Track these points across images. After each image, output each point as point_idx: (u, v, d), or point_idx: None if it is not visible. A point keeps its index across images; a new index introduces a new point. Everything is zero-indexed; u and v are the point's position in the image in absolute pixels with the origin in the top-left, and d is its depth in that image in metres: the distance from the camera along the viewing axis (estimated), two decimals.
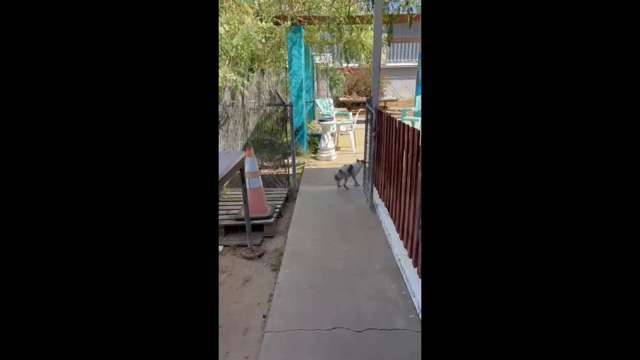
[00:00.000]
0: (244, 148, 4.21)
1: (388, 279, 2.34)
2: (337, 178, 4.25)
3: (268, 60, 7.91)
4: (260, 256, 2.79)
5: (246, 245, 2.87)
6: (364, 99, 11.66)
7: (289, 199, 4.04)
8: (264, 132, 4.33)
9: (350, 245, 2.83)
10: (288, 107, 3.99)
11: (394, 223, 2.86)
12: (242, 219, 2.89)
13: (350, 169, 4.24)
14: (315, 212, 3.55)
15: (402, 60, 13.35)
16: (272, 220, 3.12)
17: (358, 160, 4.28)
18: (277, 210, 3.39)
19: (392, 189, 2.93)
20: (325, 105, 7.79)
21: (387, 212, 3.14)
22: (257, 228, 3.12)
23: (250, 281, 2.45)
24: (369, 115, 3.99)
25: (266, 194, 3.82)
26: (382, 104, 10.56)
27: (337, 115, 7.77)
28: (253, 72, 5.14)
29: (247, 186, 3.16)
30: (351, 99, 11.68)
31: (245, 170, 3.20)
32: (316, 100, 8.10)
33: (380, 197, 3.51)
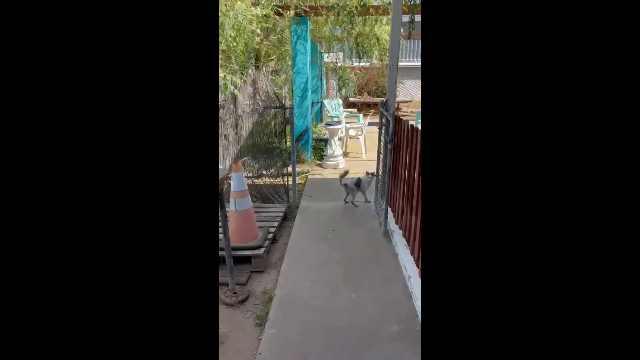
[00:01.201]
0: (237, 156, 3.62)
1: (409, 354, 1.71)
2: (341, 180, 3.65)
3: (274, 57, 7.34)
4: (243, 301, 2.19)
5: (227, 284, 2.28)
6: (375, 99, 11.03)
7: (288, 216, 3.44)
8: (263, 134, 3.71)
9: (358, 289, 2.22)
10: (288, 110, 3.39)
11: (417, 265, 2.23)
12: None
13: (359, 182, 3.62)
14: (316, 238, 2.94)
15: (415, 59, 12.68)
16: (262, 251, 2.53)
17: (368, 173, 3.66)
18: (271, 235, 2.79)
19: (413, 217, 2.31)
20: (333, 106, 7.18)
21: (406, 245, 2.52)
22: (244, 260, 2.53)
23: (226, 342, 1.86)
24: (384, 120, 3.37)
25: (261, 212, 3.24)
26: (395, 106, 9.90)
27: (346, 117, 7.15)
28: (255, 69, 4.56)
29: (233, 208, 2.57)
30: (362, 99, 11.05)
31: (231, 189, 2.61)
32: (324, 100, 7.49)
33: (397, 223, 2.88)
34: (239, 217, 2.59)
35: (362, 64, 11.34)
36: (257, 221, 3.01)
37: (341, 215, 3.45)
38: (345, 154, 5.87)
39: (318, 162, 5.35)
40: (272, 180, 3.68)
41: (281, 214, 3.24)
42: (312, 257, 2.63)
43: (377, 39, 5.35)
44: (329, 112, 7.02)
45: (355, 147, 6.16)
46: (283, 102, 3.63)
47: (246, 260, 2.52)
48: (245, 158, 3.70)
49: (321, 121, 8.09)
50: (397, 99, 10.71)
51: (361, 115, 7.31)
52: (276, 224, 3.02)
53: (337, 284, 2.29)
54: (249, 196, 2.66)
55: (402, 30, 3.44)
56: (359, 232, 3.04)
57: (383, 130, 3.40)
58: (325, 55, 8.73)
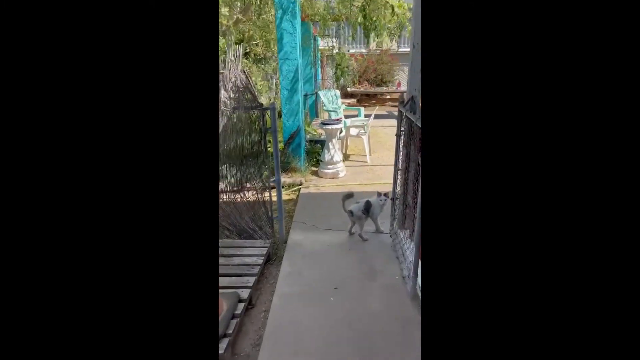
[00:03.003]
0: None
1: None
2: (344, 205, 2.71)
3: (260, 41, 6.30)
4: None
5: None
6: (376, 89, 10.02)
7: (272, 258, 2.51)
8: (234, 143, 2.74)
9: None
10: (268, 112, 2.42)
11: None
12: None
13: (368, 208, 2.68)
14: (311, 299, 2.01)
15: None
16: (223, 347, 1.58)
17: (379, 194, 2.71)
18: (243, 304, 1.86)
19: None
20: (330, 98, 6.18)
21: None
22: None
23: None
24: (403, 125, 2.41)
25: (233, 256, 2.30)
26: (398, 95, 8.87)
27: (344, 110, 6.17)
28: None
29: None
30: (361, 89, 10.01)
31: None
32: (319, 92, 6.48)
33: None
34: None
35: (360, 50, 10.30)
36: (225, 275, 2.09)
37: (346, 255, 2.51)
38: (346, 157, 4.92)
39: (313, 168, 4.40)
40: (253, 196, 2.72)
41: (262, 258, 2.30)
42: (304, 341, 1.69)
43: (393, 8, 4.27)
44: (324, 105, 6.04)
45: (357, 148, 5.21)
46: (274, 94, 2.64)
47: None
48: (222, 166, 2.75)
49: (316, 116, 7.09)
50: (402, 89, 9.69)
51: (362, 109, 6.33)
52: (253, 279, 2.08)
53: None
54: None
55: None
56: (374, 290, 2.10)
57: (402, 138, 2.44)
58: (320, 39, 7.68)
